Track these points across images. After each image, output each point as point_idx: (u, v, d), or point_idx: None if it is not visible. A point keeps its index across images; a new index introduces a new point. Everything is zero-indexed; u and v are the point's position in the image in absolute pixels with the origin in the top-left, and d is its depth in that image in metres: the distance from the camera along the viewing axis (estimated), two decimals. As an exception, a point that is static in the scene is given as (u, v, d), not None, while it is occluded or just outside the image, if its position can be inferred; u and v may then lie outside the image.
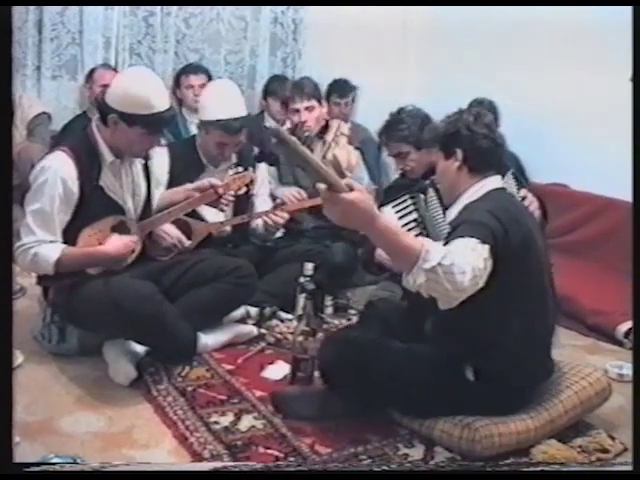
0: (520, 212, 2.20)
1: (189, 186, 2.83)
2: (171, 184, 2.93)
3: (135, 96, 2.51)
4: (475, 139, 2.22)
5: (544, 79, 4.07)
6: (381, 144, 3.14)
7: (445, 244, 2.00)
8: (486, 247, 1.94)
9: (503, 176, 2.71)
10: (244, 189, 2.99)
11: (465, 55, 4.49)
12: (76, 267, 2.53)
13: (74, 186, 2.52)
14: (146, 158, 2.76)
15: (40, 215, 2.50)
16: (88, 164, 2.56)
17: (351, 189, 1.78)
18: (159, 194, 2.85)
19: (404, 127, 3.01)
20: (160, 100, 2.56)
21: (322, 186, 1.76)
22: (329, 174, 1.76)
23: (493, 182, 2.24)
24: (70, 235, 2.53)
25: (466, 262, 1.87)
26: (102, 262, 2.56)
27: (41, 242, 2.48)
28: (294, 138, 1.77)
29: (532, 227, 2.18)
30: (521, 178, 2.93)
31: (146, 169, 2.78)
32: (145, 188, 2.77)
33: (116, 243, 2.54)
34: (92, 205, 2.55)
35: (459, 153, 2.23)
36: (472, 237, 1.95)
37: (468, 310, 1.92)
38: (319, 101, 3.65)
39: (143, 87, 2.53)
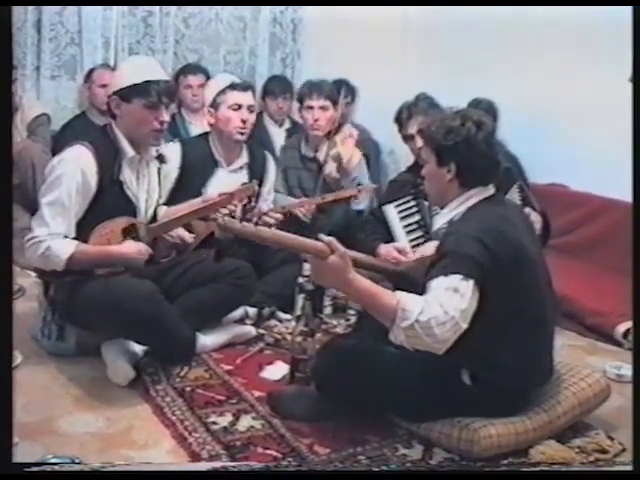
0: (508, 223, 2.11)
1: (196, 200, 2.82)
2: (182, 179, 2.91)
3: (127, 68, 2.69)
4: (472, 157, 2.12)
5: (544, 79, 4.06)
6: (404, 119, 3.11)
7: (427, 278, 2.00)
8: (470, 282, 1.95)
9: (506, 192, 2.69)
10: (247, 200, 2.98)
11: (465, 55, 4.49)
12: (88, 265, 2.51)
13: (92, 180, 2.52)
14: (161, 160, 2.77)
15: (56, 206, 2.47)
16: (108, 159, 2.57)
17: (332, 250, 1.97)
18: (167, 191, 2.84)
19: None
20: (152, 69, 2.63)
21: (308, 256, 1.99)
22: (306, 244, 2.00)
23: (482, 192, 2.17)
24: (80, 231, 2.52)
25: (445, 311, 1.90)
26: (116, 262, 2.55)
27: (54, 236, 2.45)
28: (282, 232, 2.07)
29: (522, 237, 2.11)
30: (528, 192, 2.90)
31: (159, 174, 2.79)
32: (157, 192, 2.79)
33: (132, 247, 2.55)
34: (108, 201, 2.55)
35: (453, 167, 2.14)
36: (455, 273, 1.95)
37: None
38: (334, 104, 3.69)
39: (134, 60, 2.76)
